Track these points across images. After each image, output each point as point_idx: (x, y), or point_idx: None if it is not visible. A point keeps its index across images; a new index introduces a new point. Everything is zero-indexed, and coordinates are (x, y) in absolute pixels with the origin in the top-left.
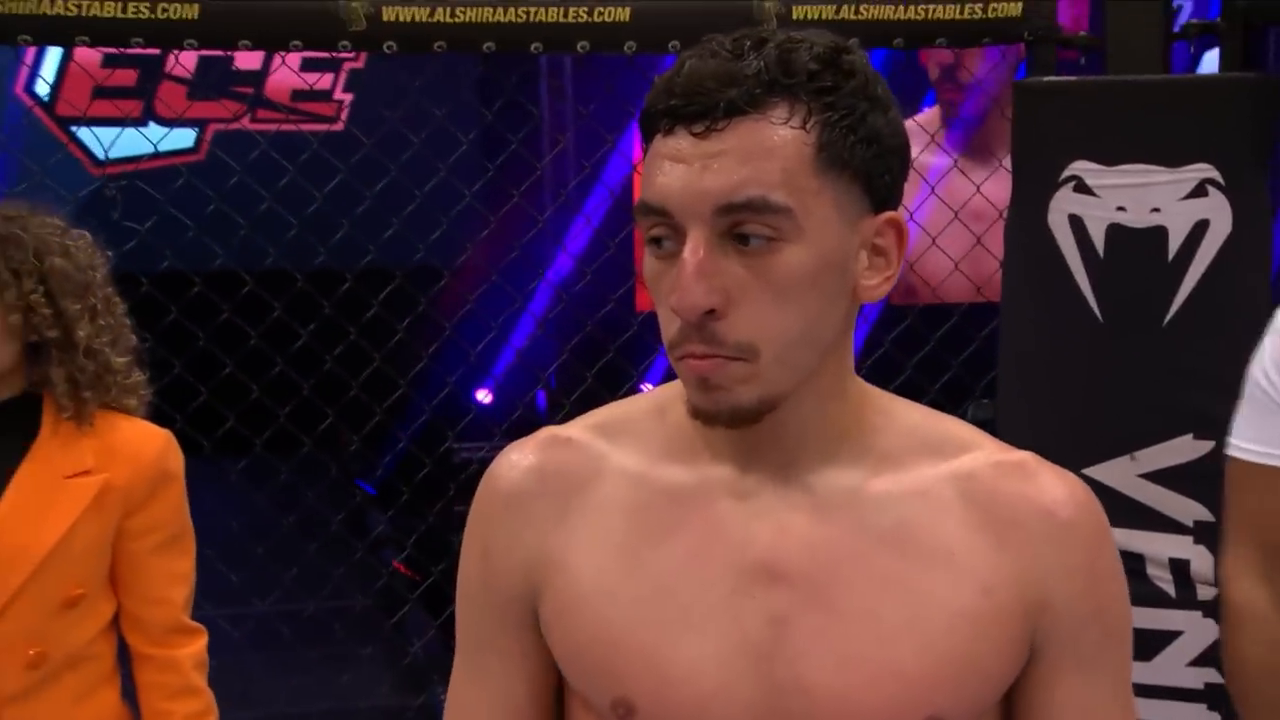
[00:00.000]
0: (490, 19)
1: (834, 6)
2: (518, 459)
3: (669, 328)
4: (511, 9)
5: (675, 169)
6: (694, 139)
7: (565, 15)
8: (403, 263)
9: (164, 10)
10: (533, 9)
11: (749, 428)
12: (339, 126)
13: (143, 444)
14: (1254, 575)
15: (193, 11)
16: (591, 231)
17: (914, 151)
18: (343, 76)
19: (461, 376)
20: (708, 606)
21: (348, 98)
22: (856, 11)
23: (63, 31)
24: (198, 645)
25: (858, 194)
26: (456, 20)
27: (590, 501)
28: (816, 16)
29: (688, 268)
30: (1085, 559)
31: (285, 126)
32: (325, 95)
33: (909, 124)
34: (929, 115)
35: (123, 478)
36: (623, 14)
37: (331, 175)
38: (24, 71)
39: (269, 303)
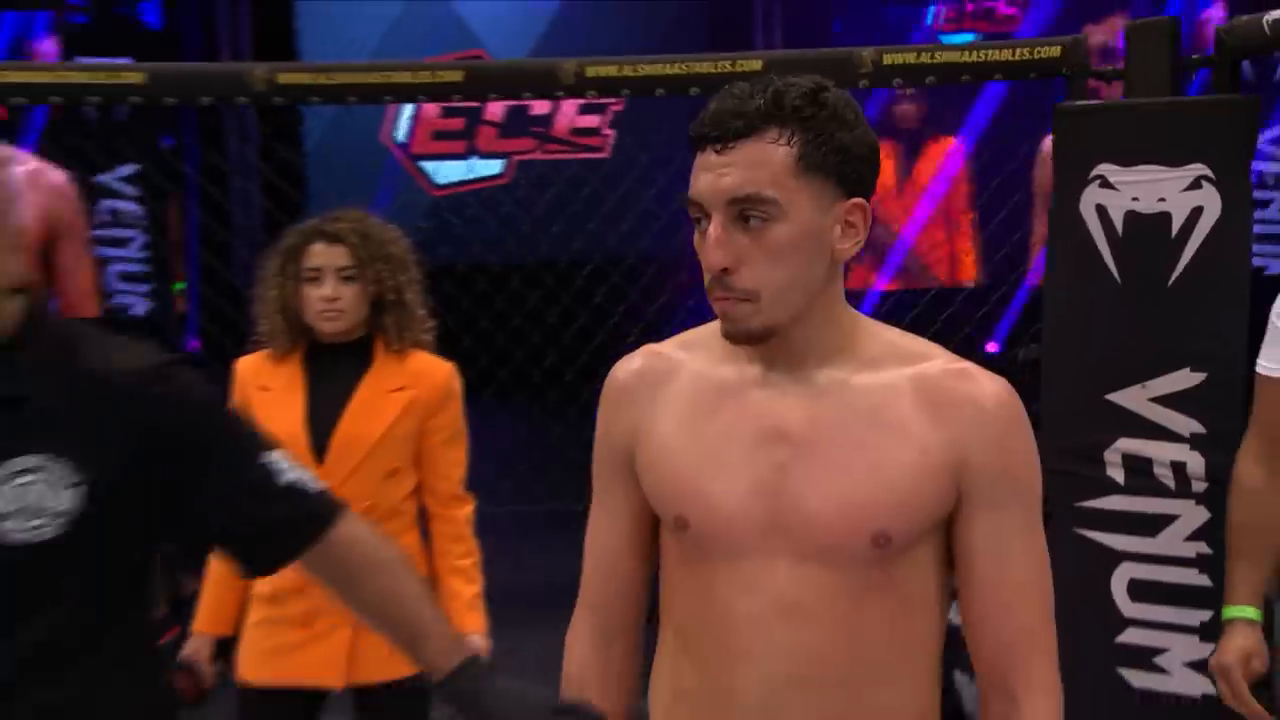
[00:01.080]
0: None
1: (914, 53)
2: (626, 364)
3: (706, 279)
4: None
5: (705, 175)
6: (716, 155)
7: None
8: (652, 256)
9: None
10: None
11: (763, 344)
12: (605, 154)
13: (437, 370)
14: (1254, 458)
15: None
16: None
17: None
18: (608, 116)
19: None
20: (737, 457)
21: (611, 134)
22: (933, 56)
23: (38, 94)
24: (469, 509)
25: (830, 187)
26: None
27: (669, 392)
28: (903, 61)
29: (710, 240)
30: (998, 435)
31: (565, 155)
32: (595, 131)
33: None
34: None
35: (424, 393)
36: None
37: (600, 190)
38: (387, 125)
39: (562, 286)
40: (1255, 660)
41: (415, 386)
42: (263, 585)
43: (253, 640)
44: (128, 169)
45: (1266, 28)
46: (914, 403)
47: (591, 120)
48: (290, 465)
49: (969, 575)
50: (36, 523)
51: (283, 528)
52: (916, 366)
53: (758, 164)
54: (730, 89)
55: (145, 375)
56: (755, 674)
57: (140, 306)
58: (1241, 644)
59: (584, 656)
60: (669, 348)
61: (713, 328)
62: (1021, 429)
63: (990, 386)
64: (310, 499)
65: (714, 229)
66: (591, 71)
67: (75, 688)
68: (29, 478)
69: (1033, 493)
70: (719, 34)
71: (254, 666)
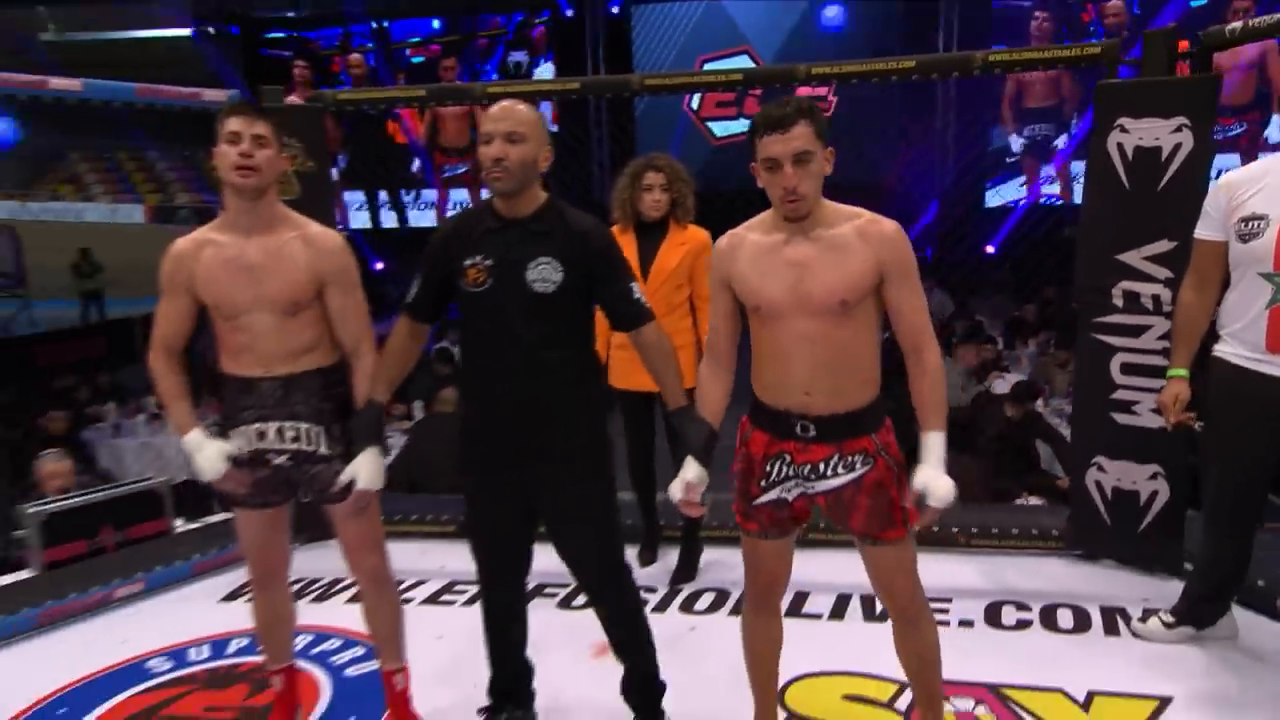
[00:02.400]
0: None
1: (1008, 54)
2: (722, 238)
3: (779, 193)
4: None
5: (777, 145)
6: (780, 134)
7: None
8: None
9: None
10: (871, 61)
11: (798, 221)
12: (829, 113)
13: (701, 235)
14: (1189, 287)
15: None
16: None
17: None
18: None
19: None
20: (777, 275)
21: (834, 99)
22: (1021, 54)
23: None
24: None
25: (822, 145)
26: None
27: (741, 251)
28: (1000, 58)
29: (788, 175)
30: (894, 248)
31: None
32: (823, 98)
33: None
34: None
35: (694, 246)
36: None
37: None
38: (686, 97)
39: None
40: (1181, 397)
41: (689, 243)
42: (619, 337)
43: (615, 362)
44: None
45: (1227, 33)
46: (855, 238)
47: (821, 90)
48: (635, 287)
49: (893, 311)
50: (546, 284)
51: (626, 316)
52: (855, 222)
53: (802, 137)
54: (772, 105)
55: (590, 227)
56: (796, 367)
57: None
58: (1175, 390)
59: (707, 378)
60: (741, 230)
61: (763, 216)
62: (905, 244)
63: (890, 225)
64: (640, 306)
65: (789, 169)
66: (816, 70)
67: (564, 351)
68: (544, 263)
69: (913, 273)
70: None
71: (616, 379)
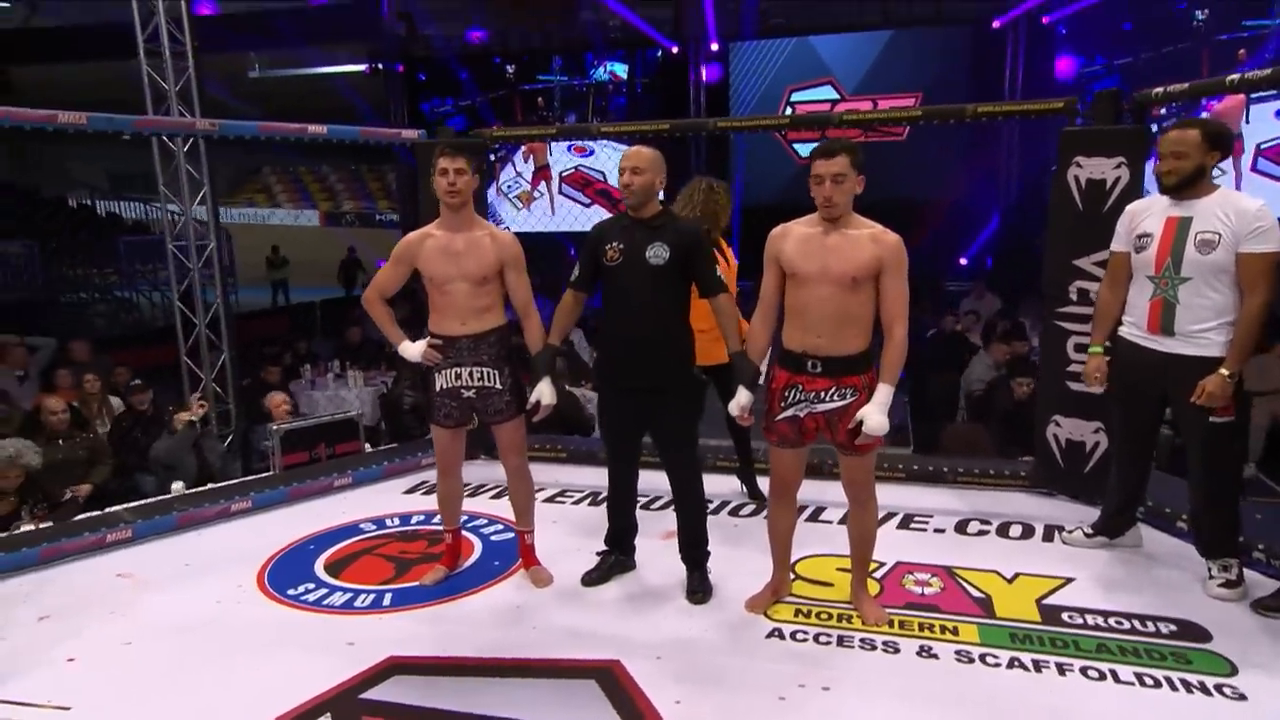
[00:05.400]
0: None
1: (1006, 106)
2: (775, 231)
3: (818, 199)
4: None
5: (824, 167)
6: (826, 161)
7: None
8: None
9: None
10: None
11: (832, 221)
12: (903, 140)
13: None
14: (1105, 285)
15: None
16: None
17: None
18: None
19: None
20: (812, 254)
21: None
22: (975, 112)
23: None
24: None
25: (855, 172)
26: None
27: (788, 239)
28: (995, 109)
29: (828, 189)
30: (893, 253)
31: (878, 139)
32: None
33: None
34: None
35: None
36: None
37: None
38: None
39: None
40: (1102, 368)
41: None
42: (699, 322)
43: (698, 342)
44: None
45: (1153, 96)
46: (869, 240)
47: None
48: (717, 269)
49: (882, 293)
50: (659, 259)
51: (708, 287)
52: (871, 230)
53: (840, 165)
54: (826, 142)
55: (686, 226)
56: (812, 319)
57: None
58: (1095, 363)
59: (757, 327)
60: (791, 224)
61: (809, 216)
62: (902, 251)
63: (892, 236)
64: (718, 281)
65: (829, 184)
66: (846, 117)
67: (667, 307)
68: (657, 245)
69: (903, 272)
70: (978, 69)
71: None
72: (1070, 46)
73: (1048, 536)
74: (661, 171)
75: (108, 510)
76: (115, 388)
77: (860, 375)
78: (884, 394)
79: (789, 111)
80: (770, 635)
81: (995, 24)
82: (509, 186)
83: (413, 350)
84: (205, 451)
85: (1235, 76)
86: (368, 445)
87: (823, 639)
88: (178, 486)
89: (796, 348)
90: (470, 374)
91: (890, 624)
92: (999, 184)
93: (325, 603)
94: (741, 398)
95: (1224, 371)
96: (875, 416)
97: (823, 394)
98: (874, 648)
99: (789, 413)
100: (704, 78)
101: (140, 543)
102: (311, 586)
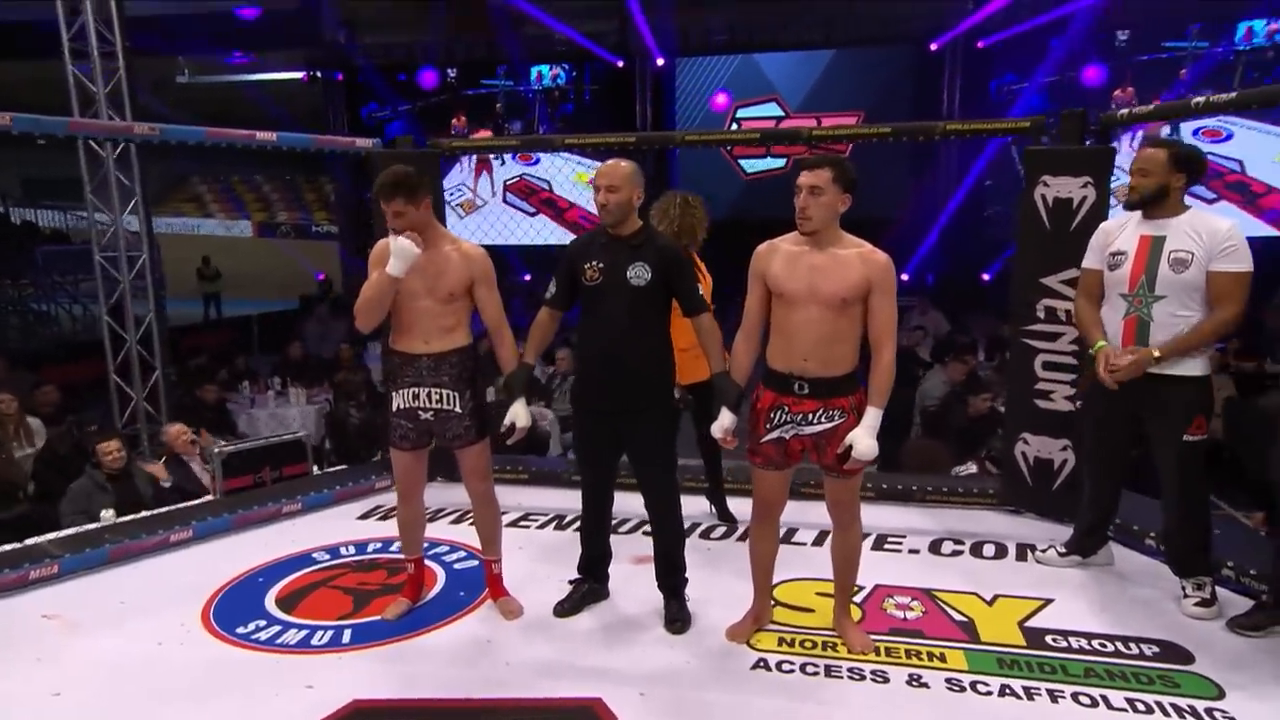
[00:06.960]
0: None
1: (974, 123)
2: (762, 246)
3: (799, 212)
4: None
5: (805, 179)
6: (806, 173)
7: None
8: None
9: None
10: (863, 127)
11: (812, 236)
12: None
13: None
14: (1081, 297)
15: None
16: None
17: None
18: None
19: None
20: (799, 274)
21: (847, 148)
22: (944, 129)
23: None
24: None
25: (839, 189)
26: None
27: (775, 256)
28: (961, 128)
29: (804, 199)
30: (882, 273)
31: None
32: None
33: None
34: None
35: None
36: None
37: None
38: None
39: None
40: (1112, 355)
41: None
42: (681, 341)
43: (680, 361)
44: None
45: (1119, 117)
46: (857, 259)
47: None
48: (698, 287)
49: (871, 314)
50: (640, 280)
51: (691, 306)
52: (857, 249)
53: (820, 179)
54: (807, 158)
55: (667, 244)
56: (800, 340)
57: None
58: (1103, 357)
59: (740, 347)
60: (777, 240)
61: (794, 234)
62: (891, 271)
63: (883, 256)
64: (700, 300)
65: (805, 195)
66: (817, 132)
67: (649, 328)
68: (639, 266)
69: (892, 292)
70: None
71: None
72: (1004, 67)
73: (1020, 556)
74: (639, 186)
75: (29, 542)
76: (34, 408)
77: (848, 396)
78: (873, 417)
79: (734, 127)
80: (756, 666)
81: (933, 46)
82: (451, 195)
83: (403, 241)
84: (135, 478)
85: (1200, 100)
86: (315, 467)
87: (809, 669)
88: (108, 515)
89: (782, 368)
90: (429, 395)
91: (876, 651)
92: (937, 201)
93: (279, 641)
94: (724, 419)
95: (1155, 353)
96: (865, 440)
97: (810, 416)
98: (863, 677)
99: (775, 434)
100: (648, 93)
101: (68, 579)
102: (263, 624)
